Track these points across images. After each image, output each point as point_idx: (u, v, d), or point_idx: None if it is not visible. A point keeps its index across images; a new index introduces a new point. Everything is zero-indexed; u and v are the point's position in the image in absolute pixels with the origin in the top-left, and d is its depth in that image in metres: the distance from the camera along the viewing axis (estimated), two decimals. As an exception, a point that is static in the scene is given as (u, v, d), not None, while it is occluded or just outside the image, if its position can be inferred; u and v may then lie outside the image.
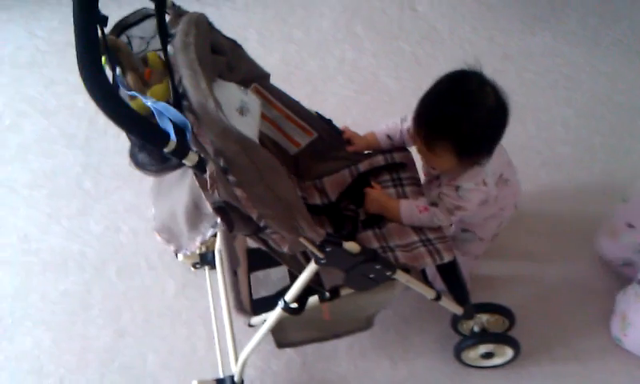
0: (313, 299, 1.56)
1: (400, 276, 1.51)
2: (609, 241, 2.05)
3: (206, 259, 2.07)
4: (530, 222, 2.27)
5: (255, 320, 1.65)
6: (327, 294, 1.55)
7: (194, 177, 1.15)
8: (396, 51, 2.90)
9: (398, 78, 2.79)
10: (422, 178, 1.78)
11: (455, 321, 1.91)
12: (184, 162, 1.09)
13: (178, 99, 1.15)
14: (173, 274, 2.16)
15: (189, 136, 1.09)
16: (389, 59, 2.87)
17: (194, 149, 1.10)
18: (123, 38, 1.28)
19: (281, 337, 1.74)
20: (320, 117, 1.70)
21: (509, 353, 1.89)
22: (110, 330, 2.07)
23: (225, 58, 1.41)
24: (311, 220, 1.28)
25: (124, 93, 1.15)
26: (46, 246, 2.28)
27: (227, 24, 2.83)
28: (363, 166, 1.76)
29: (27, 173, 2.49)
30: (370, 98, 2.72)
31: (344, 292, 1.56)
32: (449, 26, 3.00)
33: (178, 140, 1.06)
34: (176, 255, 2.03)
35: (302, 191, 1.73)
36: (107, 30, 1.21)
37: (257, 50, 2.77)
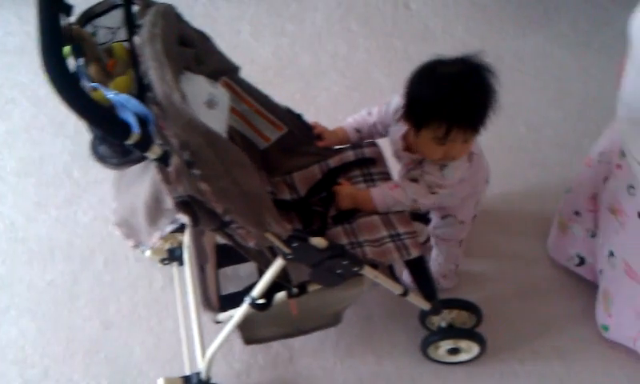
0: (280, 295, 1.56)
1: (367, 271, 1.52)
2: (561, 238, 2.07)
3: (174, 255, 2.05)
4: (517, 222, 2.31)
5: (222, 316, 1.64)
6: (295, 290, 1.55)
7: (156, 171, 1.14)
8: (389, 48, 2.92)
9: (390, 74, 2.80)
10: (396, 170, 1.78)
11: (423, 316, 1.92)
12: (147, 154, 1.08)
13: (141, 91, 1.15)
14: (160, 266, 2.15)
15: (152, 128, 1.09)
16: (381, 56, 2.88)
17: (158, 141, 1.10)
18: (89, 28, 1.27)
19: (248, 333, 1.73)
20: (290, 111, 1.69)
21: (475, 349, 1.90)
22: (96, 321, 2.07)
23: (193, 51, 1.40)
24: (278, 215, 1.28)
25: (86, 84, 1.15)
26: (33, 234, 2.27)
27: (220, 16, 2.98)
28: (333, 162, 1.76)
29: (15, 160, 2.48)
30: (361, 93, 2.73)
31: (312, 288, 1.56)
32: (442, 25, 3.03)
33: (142, 133, 1.06)
34: (142, 251, 1.98)
35: (272, 186, 1.73)
36: (73, 19, 1.21)
37: (249, 44, 2.86)
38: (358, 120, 1.77)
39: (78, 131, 2.50)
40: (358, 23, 3.00)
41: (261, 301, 1.54)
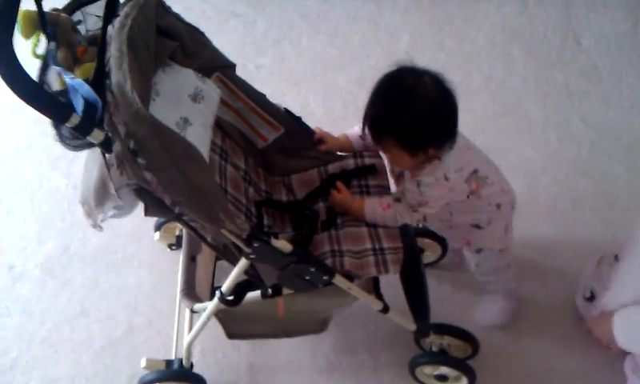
0: (253, 294, 1.56)
1: (340, 282, 1.49)
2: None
3: (182, 241, 2.04)
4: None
5: (198, 307, 1.66)
6: (269, 291, 1.55)
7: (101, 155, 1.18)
8: (548, 80, 2.79)
9: (544, 107, 2.68)
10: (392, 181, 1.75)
11: (416, 336, 1.85)
12: (89, 138, 1.12)
13: (101, 77, 1.18)
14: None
15: (99, 114, 1.12)
16: (538, 86, 2.76)
17: (105, 127, 1.12)
18: (78, 15, 1.33)
19: (232, 327, 1.74)
20: (288, 113, 1.68)
21: (463, 381, 1.83)
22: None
23: (177, 43, 1.42)
24: (232, 213, 1.28)
25: (53, 67, 1.20)
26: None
27: (383, 22, 3.05)
28: (333, 168, 1.74)
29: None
30: (508, 121, 2.63)
31: (286, 291, 1.55)
32: (611, 67, 2.84)
33: (83, 116, 1.09)
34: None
35: (269, 186, 1.73)
36: (62, 5, 1.27)
37: (406, 54, 2.78)
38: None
39: None
40: (520, 49, 2.88)
41: (230, 297, 1.53)
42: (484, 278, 1.91)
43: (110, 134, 1.14)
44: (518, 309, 2.02)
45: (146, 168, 1.14)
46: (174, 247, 2.16)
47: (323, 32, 3.00)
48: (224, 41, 2.88)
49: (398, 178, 1.70)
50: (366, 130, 1.53)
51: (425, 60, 2.70)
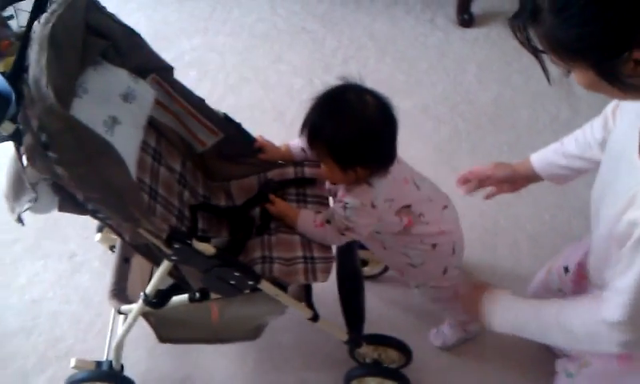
0: (179, 298, 1.56)
1: (266, 287, 1.49)
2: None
3: (124, 244, 2.07)
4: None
5: (125, 308, 1.65)
6: (197, 295, 1.54)
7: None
8: None
9: None
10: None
11: (350, 347, 1.84)
12: (-3, 130, 1.13)
13: (20, 71, 1.19)
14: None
15: (11, 107, 1.13)
16: None
17: (18, 120, 1.13)
18: (9, 10, 1.34)
19: (163, 331, 1.73)
20: (228, 119, 1.69)
21: None
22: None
23: (108, 42, 1.42)
24: (148, 213, 1.29)
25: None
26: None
27: (452, 51, 3.09)
28: (272, 175, 1.74)
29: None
30: None
31: (214, 295, 1.54)
32: None
33: (-8, 108, 1.10)
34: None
35: (208, 191, 1.73)
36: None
37: (472, 84, 2.93)
38: None
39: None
40: (586, 91, 2.90)
41: (154, 300, 1.53)
42: (428, 300, 1.90)
43: (21, 127, 1.14)
44: (463, 339, 2.00)
45: (58, 162, 1.14)
46: (115, 249, 2.13)
47: (390, 56, 3.06)
48: (293, 55, 3.07)
49: (333, 195, 1.70)
50: (300, 133, 1.52)
51: (491, 94, 2.88)
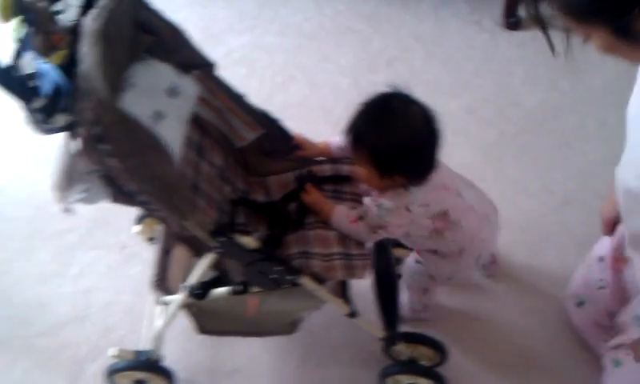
0: (221, 290, 1.59)
1: (306, 282, 1.51)
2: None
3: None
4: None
5: (167, 299, 1.68)
6: (238, 287, 1.57)
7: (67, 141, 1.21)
8: None
9: None
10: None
11: (385, 345, 1.84)
12: (52, 122, 1.16)
13: (73, 65, 1.22)
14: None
15: (65, 99, 1.16)
16: None
17: (72, 113, 1.16)
18: (60, 5, 1.37)
19: (203, 322, 1.75)
20: (267, 116, 1.70)
21: None
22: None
23: (154, 38, 1.45)
24: (197, 206, 1.32)
25: (28, 52, 1.23)
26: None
27: (499, 53, 3.10)
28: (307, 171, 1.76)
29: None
30: None
31: (254, 288, 1.57)
32: None
33: (48, 100, 1.13)
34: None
35: (247, 185, 1.76)
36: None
37: (518, 87, 2.93)
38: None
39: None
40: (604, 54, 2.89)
41: (197, 291, 1.55)
42: (406, 275, 1.91)
43: (76, 120, 1.17)
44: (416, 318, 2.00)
45: (110, 154, 1.17)
46: (154, 241, 2.16)
47: (437, 57, 3.06)
48: (339, 54, 3.10)
49: (366, 193, 1.72)
50: (344, 133, 1.54)
51: (538, 97, 2.87)
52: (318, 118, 2.73)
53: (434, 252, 1.71)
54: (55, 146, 1.30)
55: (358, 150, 1.51)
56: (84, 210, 1.40)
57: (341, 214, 1.62)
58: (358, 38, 3.16)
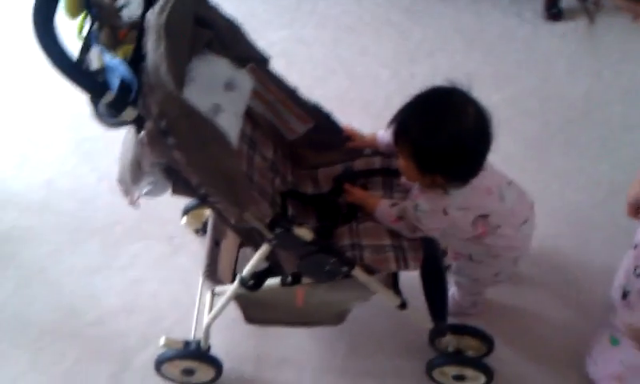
0: (272, 281, 1.61)
1: (358, 274, 1.52)
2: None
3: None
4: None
5: (219, 289, 1.71)
6: (289, 279, 1.58)
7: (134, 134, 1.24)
8: None
9: None
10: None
11: (432, 336, 1.86)
12: (122, 116, 1.18)
13: (139, 59, 1.24)
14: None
15: (133, 93, 1.18)
16: None
17: (139, 107, 1.19)
18: (122, 1, 1.40)
19: (250, 312, 1.78)
20: (318, 108, 1.72)
21: (481, 379, 1.83)
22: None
23: (213, 33, 1.47)
24: (255, 199, 1.34)
25: (95, 47, 1.26)
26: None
27: (540, 46, 3.11)
28: (359, 164, 1.77)
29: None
30: None
31: (305, 280, 1.58)
32: None
33: (117, 94, 1.15)
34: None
35: (296, 178, 1.77)
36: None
37: (561, 79, 2.93)
38: None
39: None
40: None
41: (250, 282, 1.58)
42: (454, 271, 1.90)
43: (142, 113, 1.19)
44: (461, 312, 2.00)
45: (176, 147, 1.20)
46: (200, 232, 2.20)
47: (478, 49, 3.06)
48: (379, 47, 3.11)
49: (405, 190, 1.70)
50: (391, 121, 1.50)
51: (581, 88, 2.85)
52: (359, 110, 2.73)
53: (469, 258, 1.71)
54: (100, 141, 1.32)
55: (400, 141, 1.47)
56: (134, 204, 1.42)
57: (383, 211, 1.61)
58: (397, 30, 3.16)
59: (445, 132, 1.39)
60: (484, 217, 1.55)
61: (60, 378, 1.96)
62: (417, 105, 1.45)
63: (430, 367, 1.86)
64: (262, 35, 3.09)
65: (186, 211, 2.12)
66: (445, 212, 1.51)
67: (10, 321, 2.10)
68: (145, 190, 1.32)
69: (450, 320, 1.84)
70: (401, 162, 1.52)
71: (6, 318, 2.11)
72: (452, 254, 1.87)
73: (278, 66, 2.86)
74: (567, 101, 2.78)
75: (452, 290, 1.97)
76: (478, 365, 1.82)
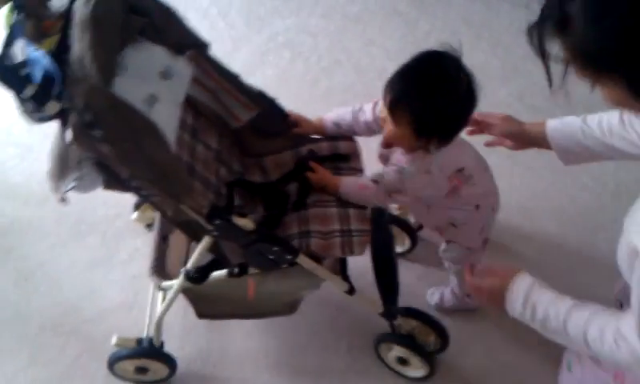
0: (219, 273, 1.59)
1: (304, 261, 1.51)
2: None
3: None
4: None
5: (165, 284, 1.69)
6: (236, 270, 1.56)
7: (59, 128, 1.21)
8: None
9: None
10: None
11: (385, 318, 1.83)
12: (44, 110, 1.15)
13: (63, 51, 1.21)
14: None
15: (56, 86, 1.15)
16: None
17: (63, 99, 1.15)
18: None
19: (201, 307, 1.76)
20: (263, 95, 1.69)
21: (422, 371, 1.85)
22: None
23: (145, 19, 1.43)
24: (194, 189, 1.31)
25: (19, 39, 1.22)
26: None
27: None
28: (306, 150, 1.75)
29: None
30: None
31: (252, 270, 1.57)
32: None
33: (38, 88, 1.12)
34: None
35: (243, 166, 1.75)
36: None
37: (569, 74, 2.75)
38: (340, 114, 1.75)
39: None
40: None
41: (195, 275, 1.55)
42: (447, 262, 1.91)
43: (68, 106, 1.16)
44: (457, 307, 2.01)
45: (103, 140, 1.16)
46: (151, 228, 2.16)
47: (485, 41, 3.01)
48: (385, 37, 3.04)
49: (384, 160, 1.70)
50: (385, 89, 1.50)
51: (588, 85, 2.70)
52: (365, 103, 2.65)
53: (453, 225, 1.73)
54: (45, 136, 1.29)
55: (398, 108, 1.46)
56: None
57: (349, 182, 1.62)
58: (404, 20, 3.11)
59: (446, 97, 1.43)
60: (460, 170, 1.59)
61: (60, 374, 1.94)
62: (409, 72, 1.47)
63: (378, 341, 1.86)
64: (268, 23, 3.03)
65: (137, 207, 2.09)
66: (427, 171, 1.54)
67: (10, 316, 2.08)
68: (71, 185, 1.29)
69: (453, 317, 1.87)
70: (392, 131, 1.51)
71: (5, 312, 2.08)
72: (433, 228, 1.84)
73: (283, 56, 2.84)
74: (574, 96, 2.69)
75: (450, 287, 1.99)
76: (426, 355, 1.81)
